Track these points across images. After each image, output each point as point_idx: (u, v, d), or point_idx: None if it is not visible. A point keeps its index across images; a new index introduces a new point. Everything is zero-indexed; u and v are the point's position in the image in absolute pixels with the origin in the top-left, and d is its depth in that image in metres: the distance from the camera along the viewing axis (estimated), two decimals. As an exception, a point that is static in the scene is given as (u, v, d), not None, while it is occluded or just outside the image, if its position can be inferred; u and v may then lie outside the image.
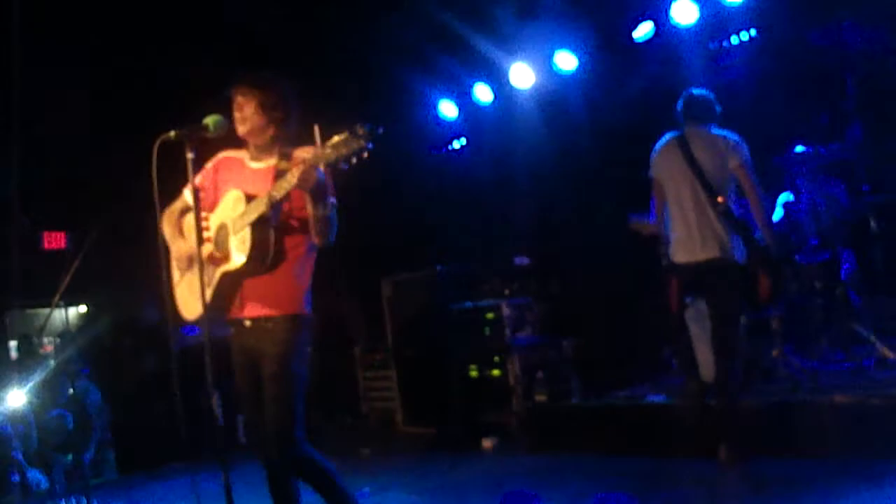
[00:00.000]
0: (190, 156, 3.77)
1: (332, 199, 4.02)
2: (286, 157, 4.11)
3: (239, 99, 4.09)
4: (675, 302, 6.10)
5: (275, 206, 3.92)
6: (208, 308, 3.85)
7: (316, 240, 4.07)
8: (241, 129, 4.11)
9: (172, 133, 3.71)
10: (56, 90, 8.94)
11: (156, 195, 3.78)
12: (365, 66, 9.80)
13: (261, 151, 4.20)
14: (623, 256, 8.06)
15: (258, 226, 3.96)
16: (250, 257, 3.97)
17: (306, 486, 4.19)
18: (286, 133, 4.19)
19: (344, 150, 3.54)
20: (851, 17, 7.33)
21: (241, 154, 4.29)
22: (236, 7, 8.69)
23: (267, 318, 4.10)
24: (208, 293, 3.90)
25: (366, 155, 3.53)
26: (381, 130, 3.54)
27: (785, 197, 7.45)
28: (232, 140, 4.17)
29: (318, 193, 3.88)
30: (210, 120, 3.86)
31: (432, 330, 9.24)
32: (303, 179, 3.73)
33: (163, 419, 9.33)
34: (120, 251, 8.85)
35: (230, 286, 4.11)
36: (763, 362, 6.84)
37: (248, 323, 4.14)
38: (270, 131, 4.14)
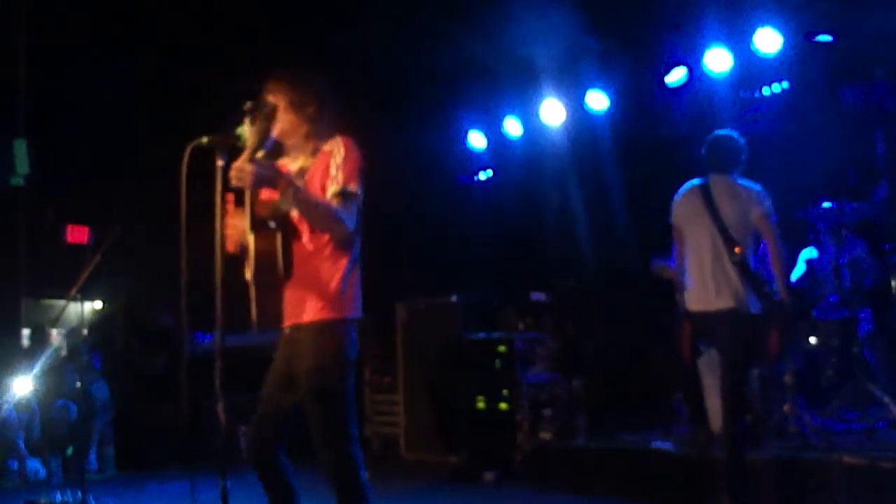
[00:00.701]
0: (220, 163, 3.62)
1: (351, 187, 3.83)
2: (316, 153, 4.00)
3: (269, 98, 3.96)
4: (686, 350, 6.05)
5: (275, 214, 3.83)
6: (257, 321, 3.83)
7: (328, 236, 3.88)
8: (275, 132, 3.97)
9: (205, 139, 3.62)
10: (89, 86, 9.04)
11: (183, 200, 3.69)
12: (396, 92, 9.86)
13: (297, 151, 4.07)
14: (641, 300, 8.04)
15: (257, 234, 3.83)
16: (256, 267, 3.84)
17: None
18: (321, 128, 4.03)
19: (257, 134, 3.64)
20: (885, 76, 7.32)
21: (285, 159, 4.15)
22: (269, 24, 8.79)
23: (298, 327, 3.92)
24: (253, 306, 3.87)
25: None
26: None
27: (808, 252, 7.40)
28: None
29: (267, 186, 3.75)
30: (243, 130, 3.77)
31: (443, 358, 9.20)
32: (237, 179, 3.60)
33: (166, 421, 9.35)
34: (141, 251, 8.91)
35: (263, 297, 3.94)
36: (774, 417, 6.77)
37: (287, 331, 3.99)
38: (303, 129, 4.00)
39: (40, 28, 8.65)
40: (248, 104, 3.72)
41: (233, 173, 3.58)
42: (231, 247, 3.90)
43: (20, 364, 8.65)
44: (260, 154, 3.64)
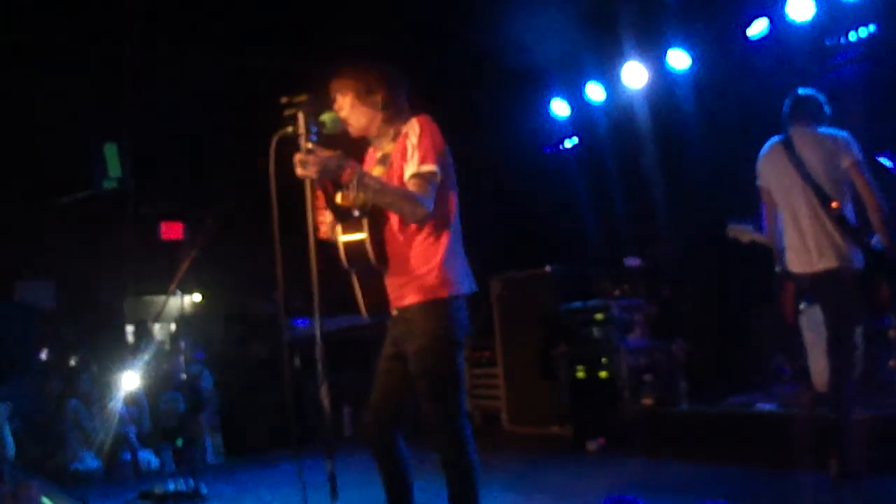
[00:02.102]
0: (309, 146, 3.67)
1: (426, 167, 3.78)
2: (396, 136, 3.96)
3: (337, 98, 3.98)
4: (789, 310, 5.93)
5: (357, 203, 3.82)
6: (367, 309, 3.90)
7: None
8: (351, 129, 4.00)
9: (290, 128, 3.68)
10: (180, 85, 9.21)
11: (272, 189, 3.73)
12: (477, 62, 9.84)
13: (380, 139, 4.05)
14: (737, 260, 7.89)
15: (343, 224, 3.86)
16: (347, 257, 3.87)
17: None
18: (396, 113, 3.99)
19: (302, 127, 3.65)
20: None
21: (370, 149, 4.17)
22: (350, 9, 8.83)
23: (405, 309, 3.88)
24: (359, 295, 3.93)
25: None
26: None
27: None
28: (349, 136, 4.06)
29: (332, 178, 3.72)
30: (327, 117, 3.82)
31: (541, 329, 9.21)
32: (301, 173, 3.64)
33: (270, 407, 9.55)
34: (235, 243, 9.08)
35: (365, 285, 3.96)
36: (880, 374, 6.61)
37: (395, 312, 3.96)
38: (378, 118, 3.98)
39: (129, 27, 8.84)
40: (303, 97, 3.73)
41: (296, 165, 3.62)
42: (323, 234, 3.94)
43: (126, 360, 8.92)
44: (310, 146, 3.63)
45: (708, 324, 8.62)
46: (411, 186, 3.77)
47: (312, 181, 3.71)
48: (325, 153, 3.64)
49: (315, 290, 3.68)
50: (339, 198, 3.89)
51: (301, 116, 3.66)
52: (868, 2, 7.74)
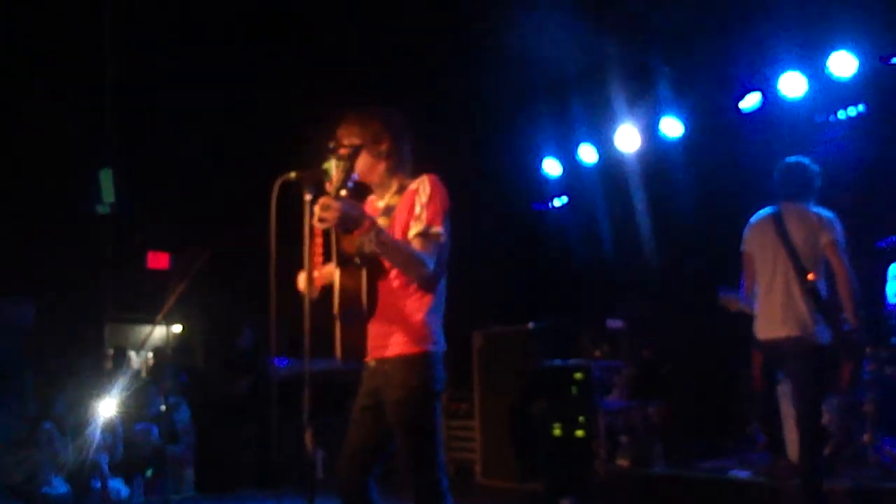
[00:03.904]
0: (308, 197, 3.67)
1: (434, 228, 3.81)
2: (402, 190, 3.99)
3: (343, 143, 3.95)
4: (758, 379, 5.99)
5: (360, 251, 3.81)
6: (342, 355, 3.86)
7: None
8: (357, 172, 3.97)
9: (293, 174, 3.68)
10: (173, 115, 9.29)
11: (272, 234, 3.75)
12: (471, 117, 9.95)
13: (382, 189, 4.07)
14: (718, 327, 7.96)
15: (342, 269, 3.88)
16: (340, 303, 3.88)
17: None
18: (400, 163, 4.05)
19: (340, 170, 3.62)
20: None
21: (371, 197, 4.17)
22: (347, 56, 8.96)
23: (384, 360, 3.89)
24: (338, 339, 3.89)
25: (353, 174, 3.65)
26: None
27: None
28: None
29: (348, 228, 3.67)
30: (330, 165, 3.80)
31: (520, 385, 9.22)
32: (321, 219, 3.59)
33: (244, 443, 9.51)
34: (220, 276, 9.10)
35: (347, 331, 3.92)
36: (854, 446, 6.66)
37: (372, 363, 3.96)
38: (381, 167, 4.00)
39: (126, 58, 8.93)
40: (333, 143, 3.78)
41: (318, 211, 3.59)
42: (318, 288, 3.91)
43: (104, 386, 8.89)
44: (343, 193, 3.64)
45: (686, 387, 8.67)
46: (417, 245, 3.81)
47: (313, 229, 3.70)
48: (348, 203, 3.63)
49: (306, 335, 3.66)
50: (343, 243, 3.89)
51: (339, 164, 3.66)
52: (858, 82, 7.92)
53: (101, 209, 9.69)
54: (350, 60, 9.00)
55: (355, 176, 3.73)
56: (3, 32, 8.24)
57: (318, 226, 3.64)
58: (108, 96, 9.27)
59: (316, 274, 3.85)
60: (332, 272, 3.96)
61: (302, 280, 3.98)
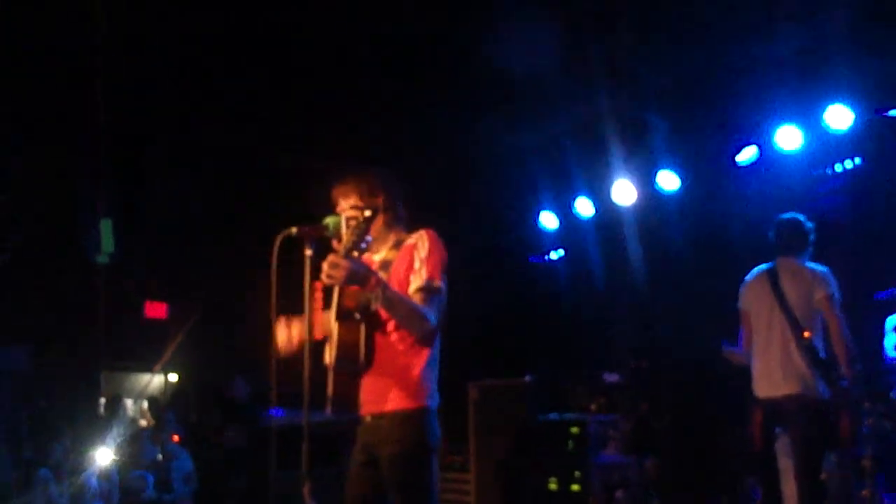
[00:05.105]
0: (308, 253, 3.72)
1: (435, 283, 3.85)
2: (398, 245, 4.02)
3: (340, 201, 4.03)
4: (758, 436, 5.96)
5: (361, 306, 3.83)
6: (333, 407, 3.87)
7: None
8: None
9: (294, 230, 3.72)
10: (174, 167, 9.34)
11: (273, 289, 3.73)
12: (467, 173, 10.00)
13: (378, 243, 4.07)
14: (716, 381, 7.95)
15: (341, 323, 3.89)
16: (337, 356, 3.88)
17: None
18: (396, 217, 4.10)
19: (356, 231, 3.59)
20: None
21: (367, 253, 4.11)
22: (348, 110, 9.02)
23: (381, 415, 3.89)
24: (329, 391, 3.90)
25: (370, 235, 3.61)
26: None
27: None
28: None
29: (357, 284, 3.69)
30: (330, 220, 3.85)
31: (515, 438, 9.16)
32: (329, 276, 3.62)
33: (239, 493, 9.42)
34: (217, 328, 9.09)
35: (342, 384, 3.93)
36: (853, 502, 6.60)
37: (368, 419, 3.95)
38: (379, 220, 3.98)
39: (123, 109, 8.99)
40: (354, 206, 3.84)
41: (326, 269, 3.61)
42: (318, 336, 3.95)
43: (99, 433, 8.85)
44: (355, 254, 3.65)
45: (683, 441, 8.62)
46: (418, 300, 3.83)
47: (313, 283, 3.73)
48: (356, 261, 3.66)
49: (305, 387, 3.68)
50: (345, 297, 3.91)
51: (357, 224, 3.63)
52: (854, 135, 7.96)
53: (101, 259, 9.72)
54: (347, 114, 9.06)
55: (369, 238, 3.69)
56: (2, 81, 8.30)
57: (326, 282, 3.67)
58: (105, 147, 9.32)
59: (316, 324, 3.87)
60: (325, 321, 3.97)
61: (281, 333, 4.03)
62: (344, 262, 3.60)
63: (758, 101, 8.34)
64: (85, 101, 8.50)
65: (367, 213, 3.63)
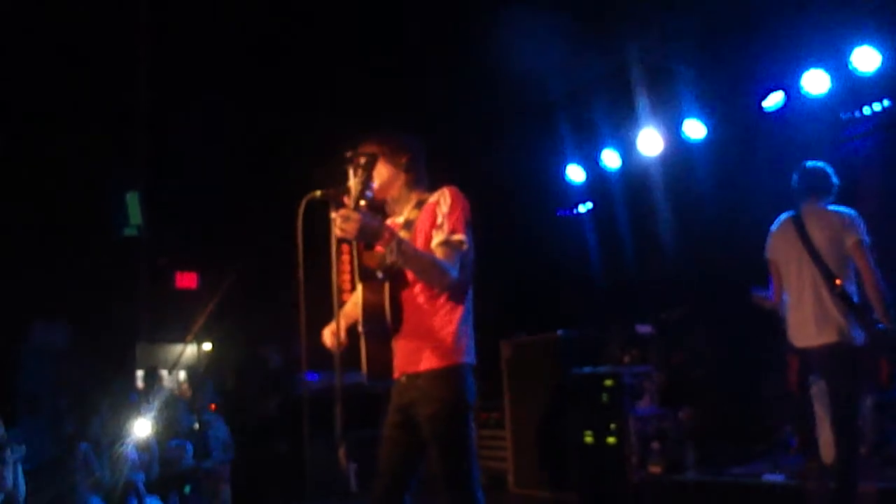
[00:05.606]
0: (334, 215, 3.67)
1: (456, 236, 3.82)
2: (420, 204, 4.01)
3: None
4: (794, 383, 5.94)
5: (382, 265, 3.83)
6: (368, 373, 3.86)
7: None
8: (375, 186, 3.92)
9: (318, 192, 3.70)
10: (204, 138, 9.37)
11: (300, 251, 3.73)
12: (495, 125, 9.96)
13: (401, 203, 4.11)
14: (748, 330, 7.91)
15: (365, 284, 3.88)
16: (364, 318, 3.89)
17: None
18: (419, 177, 4.11)
19: (358, 185, 3.58)
20: None
21: (392, 215, 4.18)
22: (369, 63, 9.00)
23: (416, 375, 3.87)
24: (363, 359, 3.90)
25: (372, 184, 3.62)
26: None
27: None
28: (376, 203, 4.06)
29: (368, 240, 3.68)
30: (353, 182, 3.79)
31: (550, 393, 9.19)
32: (342, 230, 3.58)
33: (279, 461, 9.53)
34: (248, 295, 9.14)
35: (373, 348, 3.93)
36: (889, 446, 6.60)
37: (403, 380, 3.94)
38: (400, 180, 4.06)
39: (153, 83, 9.04)
40: (349, 153, 3.73)
41: (337, 223, 3.59)
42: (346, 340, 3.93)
43: (137, 405, 8.95)
44: (362, 203, 3.62)
45: (717, 391, 8.61)
46: (439, 254, 3.82)
47: (339, 241, 3.73)
48: (367, 214, 3.63)
49: (338, 352, 3.73)
50: (365, 258, 3.90)
51: (358, 173, 3.63)
52: (882, 77, 7.85)
53: (129, 231, 9.80)
54: (374, 79, 9.04)
55: (373, 184, 3.69)
56: (34, 59, 8.35)
57: (339, 235, 3.63)
58: (136, 121, 9.38)
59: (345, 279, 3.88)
60: (354, 309, 3.99)
61: (327, 335, 4.06)
62: (355, 215, 3.57)
63: (783, 47, 8.25)
64: (116, 76, 8.56)
65: (363, 159, 3.62)
